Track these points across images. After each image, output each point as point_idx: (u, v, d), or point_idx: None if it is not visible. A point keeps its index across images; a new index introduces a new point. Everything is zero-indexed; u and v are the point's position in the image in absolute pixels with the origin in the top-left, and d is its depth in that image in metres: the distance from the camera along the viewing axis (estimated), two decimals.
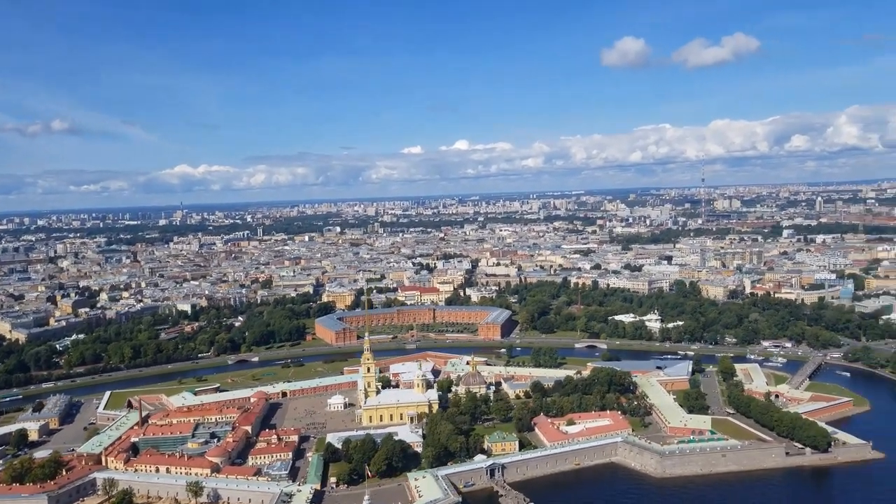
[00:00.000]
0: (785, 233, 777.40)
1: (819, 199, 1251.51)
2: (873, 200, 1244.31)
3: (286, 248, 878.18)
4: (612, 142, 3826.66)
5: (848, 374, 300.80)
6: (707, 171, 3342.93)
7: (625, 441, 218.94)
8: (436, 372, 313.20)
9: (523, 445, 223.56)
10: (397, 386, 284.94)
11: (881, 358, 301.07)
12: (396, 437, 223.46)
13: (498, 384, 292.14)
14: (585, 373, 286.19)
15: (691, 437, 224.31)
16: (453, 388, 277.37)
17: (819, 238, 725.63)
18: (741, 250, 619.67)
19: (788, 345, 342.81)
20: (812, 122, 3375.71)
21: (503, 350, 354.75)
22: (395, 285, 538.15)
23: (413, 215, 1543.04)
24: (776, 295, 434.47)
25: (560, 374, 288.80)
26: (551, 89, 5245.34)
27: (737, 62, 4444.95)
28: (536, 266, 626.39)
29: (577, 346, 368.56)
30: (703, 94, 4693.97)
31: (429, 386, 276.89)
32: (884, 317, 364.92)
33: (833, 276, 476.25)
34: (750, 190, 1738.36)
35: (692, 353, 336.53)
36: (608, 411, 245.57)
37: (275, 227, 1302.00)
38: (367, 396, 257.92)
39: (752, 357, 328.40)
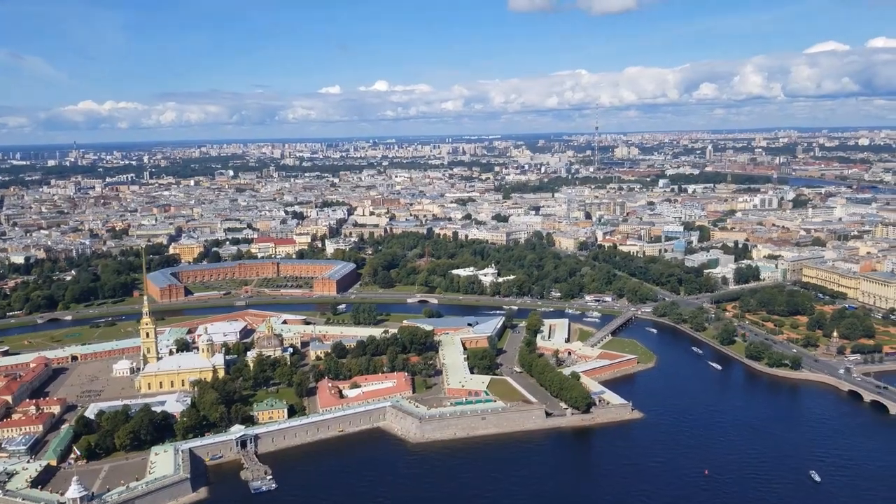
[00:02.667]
0: (661, 182, 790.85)
1: (710, 147, 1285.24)
2: (762, 150, 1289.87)
3: (165, 193, 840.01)
4: (530, 86, 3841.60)
5: (655, 331, 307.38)
6: (621, 116, 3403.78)
7: (392, 405, 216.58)
8: (248, 332, 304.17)
9: (294, 412, 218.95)
10: None
11: (685, 313, 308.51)
12: (162, 408, 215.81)
13: (306, 344, 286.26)
14: (393, 331, 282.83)
15: (466, 398, 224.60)
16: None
17: (692, 188, 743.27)
18: (607, 201, 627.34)
19: (608, 299, 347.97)
20: (720, 70, 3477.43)
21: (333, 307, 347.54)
22: (256, 236, 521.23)
23: (319, 158, 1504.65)
24: (620, 247, 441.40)
25: (367, 333, 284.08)
26: (464, 33, 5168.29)
27: (640, 9, 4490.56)
28: (410, 216, 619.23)
29: (409, 301, 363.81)
30: (613, 40, 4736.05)
31: (225, 348, 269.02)
32: (706, 270, 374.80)
33: (681, 229, 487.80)
34: (653, 137, 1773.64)
35: (515, 307, 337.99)
36: (396, 373, 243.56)
37: (169, 169, 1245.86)
38: (146, 362, 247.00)
39: (570, 311, 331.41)
